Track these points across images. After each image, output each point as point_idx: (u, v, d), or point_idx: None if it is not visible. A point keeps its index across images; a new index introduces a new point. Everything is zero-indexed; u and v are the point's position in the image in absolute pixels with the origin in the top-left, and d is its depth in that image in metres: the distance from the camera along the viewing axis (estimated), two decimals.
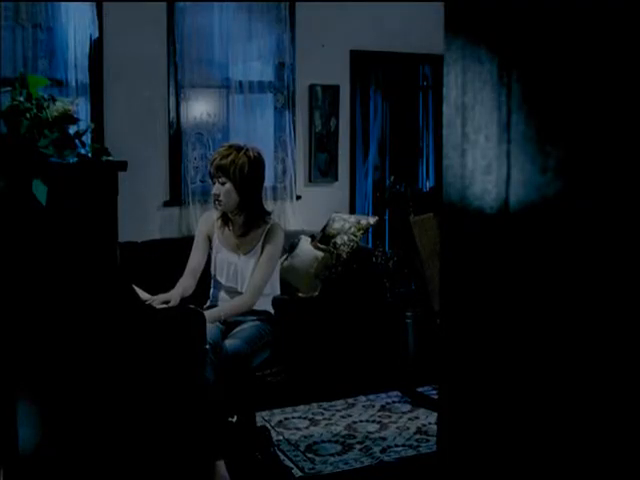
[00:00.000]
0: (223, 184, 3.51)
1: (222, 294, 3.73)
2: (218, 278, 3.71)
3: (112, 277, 2.84)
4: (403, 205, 5.29)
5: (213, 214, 3.73)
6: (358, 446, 4.03)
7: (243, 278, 3.63)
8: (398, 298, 5.34)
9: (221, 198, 3.53)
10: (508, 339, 0.79)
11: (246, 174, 3.51)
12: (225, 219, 3.66)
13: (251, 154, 3.57)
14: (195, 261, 3.71)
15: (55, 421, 2.75)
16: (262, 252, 3.59)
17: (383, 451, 3.97)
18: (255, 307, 3.64)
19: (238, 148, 3.58)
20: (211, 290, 3.82)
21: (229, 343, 3.44)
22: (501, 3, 0.76)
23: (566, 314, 0.72)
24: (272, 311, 3.75)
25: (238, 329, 3.57)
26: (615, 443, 0.69)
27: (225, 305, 3.65)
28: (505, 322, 0.79)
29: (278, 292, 3.84)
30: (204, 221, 3.77)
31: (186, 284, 3.64)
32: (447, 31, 0.84)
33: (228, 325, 3.63)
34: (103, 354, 2.78)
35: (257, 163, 3.58)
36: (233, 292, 3.67)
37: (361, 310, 5.28)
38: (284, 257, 5.45)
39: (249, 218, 3.60)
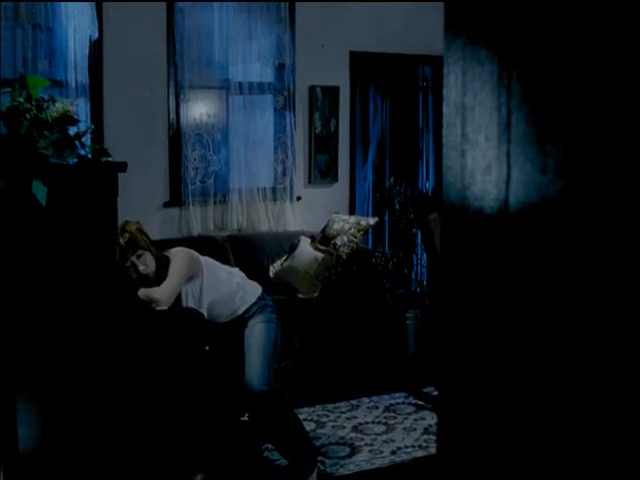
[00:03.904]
0: (140, 256, 3.42)
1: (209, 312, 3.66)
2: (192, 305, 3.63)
3: (112, 278, 2.84)
4: (416, 205, 5.30)
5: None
6: (367, 448, 4.03)
7: (186, 298, 3.55)
8: (398, 299, 5.35)
9: (148, 269, 3.43)
10: (508, 339, 0.79)
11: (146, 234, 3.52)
12: (142, 281, 3.47)
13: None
14: None
15: (55, 421, 2.75)
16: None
17: (393, 452, 3.97)
18: (249, 299, 3.66)
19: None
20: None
21: (250, 376, 3.47)
22: (501, 3, 0.76)
23: (566, 314, 0.72)
24: (264, 295, 3.74)
25: (254, 341, 3.57)
26: (615, 444, 0.69)
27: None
28: (505, 322, 0.79)
29: (238, 280, 3.73)
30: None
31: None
32: (447, 32, 0.84)
33: (242, 320, 3.65)
34: (102, 354, 2.78)
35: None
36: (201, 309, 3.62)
37: (361, 311, 5.27)
38: (284, 258, 5.46)
39: (162, 267, 3.49)
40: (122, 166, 2.88)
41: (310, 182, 6.15)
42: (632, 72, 0.63)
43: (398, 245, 5.58)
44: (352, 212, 6.18)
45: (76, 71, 5.14)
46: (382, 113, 6.62)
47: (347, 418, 4.44)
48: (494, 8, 0.77)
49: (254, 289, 3.75)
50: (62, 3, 5.06)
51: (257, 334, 3.60)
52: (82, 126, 3.12)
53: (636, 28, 0.63)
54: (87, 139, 3.85)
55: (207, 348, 3.42)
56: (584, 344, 0.70)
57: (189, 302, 3.53)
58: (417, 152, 6.74)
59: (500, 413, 0.81)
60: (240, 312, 3.65)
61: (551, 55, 0.71)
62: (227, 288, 3.63)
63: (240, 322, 3.64)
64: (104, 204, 2.82)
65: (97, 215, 2.79)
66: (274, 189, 5.94)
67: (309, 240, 5.52)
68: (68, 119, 2.79)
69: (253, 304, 3.68)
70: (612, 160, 0.66)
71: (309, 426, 4.28)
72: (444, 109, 0.85)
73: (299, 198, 6.05)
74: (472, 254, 0.83)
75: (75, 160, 2.77)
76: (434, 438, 4.12)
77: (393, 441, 4.11)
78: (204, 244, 5.09)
